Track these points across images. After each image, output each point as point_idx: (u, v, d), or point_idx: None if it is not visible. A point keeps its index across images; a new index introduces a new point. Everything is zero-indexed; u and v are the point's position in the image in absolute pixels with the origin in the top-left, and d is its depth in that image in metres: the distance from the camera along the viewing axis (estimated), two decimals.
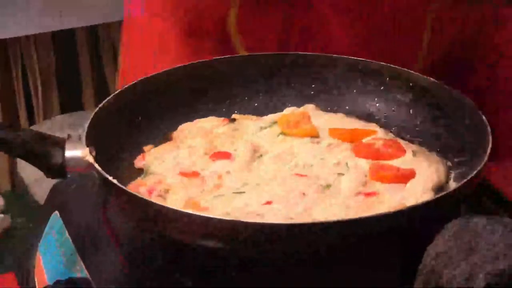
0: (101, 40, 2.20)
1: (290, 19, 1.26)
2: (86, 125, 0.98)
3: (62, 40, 2.17)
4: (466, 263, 0.77)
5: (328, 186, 0.95)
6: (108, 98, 1.04)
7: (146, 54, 1.39)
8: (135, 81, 1.09)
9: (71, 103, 2.17)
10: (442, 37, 1.29)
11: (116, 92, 1.06)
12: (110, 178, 0.90)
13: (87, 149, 0.94)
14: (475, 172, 0.90)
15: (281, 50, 1.24)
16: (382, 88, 1.11)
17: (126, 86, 1.09)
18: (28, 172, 1.99)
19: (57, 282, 0.95)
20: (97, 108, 1.01)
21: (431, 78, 1.07)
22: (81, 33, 2.17)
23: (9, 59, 2.12)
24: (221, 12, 1.28)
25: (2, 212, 1.88)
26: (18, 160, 1.99)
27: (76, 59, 2.20)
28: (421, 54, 1.29)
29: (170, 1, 1.33)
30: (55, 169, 0.95)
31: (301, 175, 0.98)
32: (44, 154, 0.95)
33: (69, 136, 0.97)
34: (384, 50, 1.22)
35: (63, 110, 2.17)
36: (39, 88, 2.14)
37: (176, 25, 1.32)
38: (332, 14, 1.26)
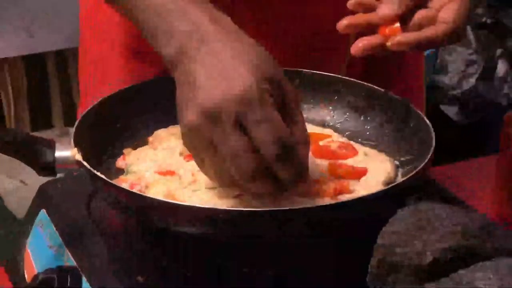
0: (69, 62, 2.19)
1: None
2: (74, 128, 0.99)
3: (33, 62, 2.16)
4: (416, 241, 0.80)
5: None
6: (92, 105, 1.05)
7: (95, 76, 1.36)
8: (115, 92, 1.09)
9: (41, 121, 2.16)
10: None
11: (98, 101, 1.07)
12: (98, 173, 0.92)
13: (75, 149, 0.96)
14: (418, 168, 0.93)
15: None
16: (336, 97, 1.12)
17: (106, 96, 1.09)
18: (2, 184, 1.98)
19: (47, 270, 0.96)
20: (83, 114, 1.03)
21: (380, 88, 1.10)
22: (51, 56, 2.16)
23: None
24: None
25: None
26: None
27: (46, 80, 2.19)
28: (343, 66, 1.28)
29: (113, 26, 1.30)
30: (46, 167, 0.97)
31: None
32: (37, 153, 0.97)
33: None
34: (312, 64, 1.18)
35: (33, 127, 2.16)
36: (12, 107, 2.13)
37: (119, 49, 1.30)
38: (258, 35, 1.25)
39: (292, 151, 0.87)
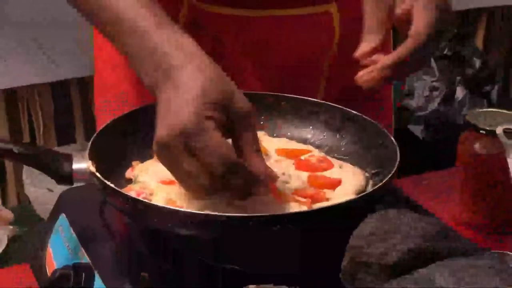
0: (90, 87, 2.17)
1: None
2: (90, 143, 0.99)
3: (59, 88, 2.14)
4: (382, 243, 0.79)
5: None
6: (106, 124, 1.04)
7: (109, 101, 1.34)
8: (125, 113, 1.09)
9: (65, 139, 2.16)
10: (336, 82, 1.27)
11: (111, 120, 1.06)
12: (109, 183, 0.91)
13: (90, 162, 0.95)
14: (385, 180, 0.93)
15: None
16: (315, 119, 1.11)
17: (118, 117, 1.08)
18: (32, 191, 1.98)
19: (65, 267, 0.95)
20: (97, 132, 1.02)
21: (354, 111, 1.08)
22: (74, 82, 2.15)
23: (17, 103, 2.10)
24: None
25: (11, 223, 1.86)
26: (25, 182, 2.01)
27: (70, 103, 2.17)
28: (320, 94, 1.26)
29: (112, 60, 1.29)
30: (65, 177, 0.96)
31: None
32: (56, 165, 0.96)
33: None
34: (294, 88, 1.17)
35: (59, 142, 2.15)
36: (41, 126, 2.12)
37: (130, 75, 1.27)
38: (244, 63, 1.23)
39: (236, 166, 0.87)
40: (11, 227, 1.84)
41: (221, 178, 0.87)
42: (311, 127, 1.12)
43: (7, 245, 1.72)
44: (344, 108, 1.10)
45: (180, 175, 0.89)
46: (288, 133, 1.12)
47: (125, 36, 0.95)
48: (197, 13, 1.20)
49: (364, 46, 1.01)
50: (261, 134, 1.09)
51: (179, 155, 0.87)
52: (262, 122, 1.12)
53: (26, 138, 2.13)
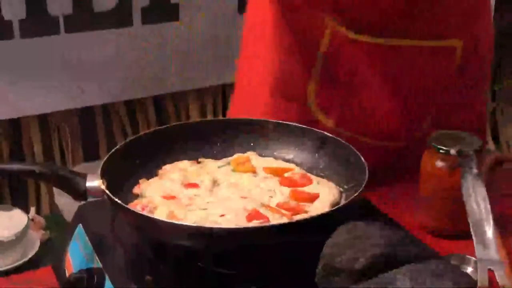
0: (112, 115, 2.18)
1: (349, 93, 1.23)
2: (101, 165, 0.98)
3: (85, 113, 2.14)
4: (352, 250, 0.79)
5: (262, 204, 0.94)
6: (116, 147, 1.03)
7: (245, 100, 1.36)
8: (132, 137, 1.08)
9: (90, 155, 2.15)
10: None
11: (121, 144, 1.05)
12: (117, 199, 0.90)
13: (101, 180, 0.94)
14: (355, 195, 0.91)
15: (343, 110, 1.23)
16: (298, 141, 1.09)
17: (128, 140, 1.08)
18: (61, 201, 1.98)
19: (80, 270, 0.94)
20: (109, 153, 1.01)
21: (330, 134, 1.07)
22: (98, 109, 2.14)
23: (49, 126, 2.10)
24: (303, 82, 1.24)
25: (44, 229, 1.85)
26: (55, 194, 2.01)
27: (94, 127, 2.16)
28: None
29: (262, 68, 1.29)
30: (80, 194, 0.95)
31: (245, 197, 0.97)
32: (73, 184, 0.96)
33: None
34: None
35: (85, 159, 2.15)
36: (69, 145, 2.12)
37: (267, 86, 1.28)
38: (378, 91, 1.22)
39: None
40: (43, 231, 1.83)
41: None
42: (293, 148, 1.10)
43: (39, 249, 1.71)
44: (322, 132, 1.08)
45: None
46: (274, 153, 1.10)
47: None
48: (339, 41, 1.19)
49: None
50: (251, 154, 1.09)
51: None
52: (252, 144, 1.11)
53: (57, 156, 2.12)
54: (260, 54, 1.30)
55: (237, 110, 1.39)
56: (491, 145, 2.25)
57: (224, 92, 2.25)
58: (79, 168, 2.07)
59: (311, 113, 1.25)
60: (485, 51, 1.29)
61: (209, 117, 2.23)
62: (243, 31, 1.36)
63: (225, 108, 2.27)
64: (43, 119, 2.08)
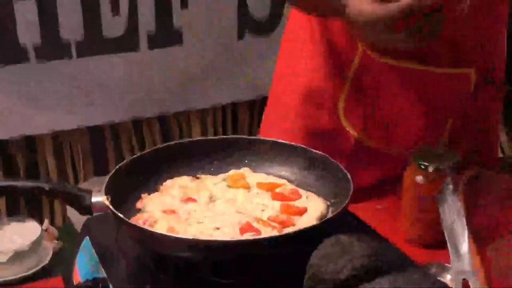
0: (120, 131, 2.18)
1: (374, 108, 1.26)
2: (106, 181, 0.98)
3: (95, 131, 2.14)
4: (335, 262, 0.78)
5: (255, 218, 0.95)
6: (120, 165, 1.03)
7: (278, 110, 1.37)
8: (136, 155, 1.08)
9: (100, 170, 2.15)
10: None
11: (125, 161, 1.05)
12: (120, 214, 0.91)
13: (105, 196, 0.94)
14: (340, 209, 0.91)
15: (367, 122, 1.26)
16: (289, 159, 1.10)
17: (132, 158, 1.07)
18: (73, 214, 1.98)
19: (87, 280, 0.95)
20: (114, 170, 1.01)
21: (318, 152, 1.07)
22: (107, 127, 2.14)
23: (62, 143, 2.10)
24: (334, 96, 1.27)
25: (56, 239, 1.86)
26: (68, 207, 2.00)
27: (104, 144, 2.17)
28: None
29: (297, 81, 1.31)
30: (86, 209, 0.96)
31: (239, 212, 0.97)
32: (79, 200, 0.96)
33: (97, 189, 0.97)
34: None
35: (95, 173, 2.15)
36: (81, 161, 2.12)
37: (302, 97, 1.30)
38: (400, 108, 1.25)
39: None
40: (56, 241, 1.84)
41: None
42: (285, 165, 1.10)
43: (52, 258, 1.71)
44: (311, 150, 1.08)
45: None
46: (268, 170, 1.10)
47: None
48: (368, 61, 1.23)
49: None
50: (245, 170, 1.10)
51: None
52: (246, 161, 1.11)
53: (70, 171, 2.12)
54: (295, 70, 1.33)
55: (269, 120, 1.41)
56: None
57: (224, 112, 2.26)
58: (90, 182, 2.08)
59: (340, 122, 1.28)
60: (498, 77, 1.31)
61: (210, 135, 2.24)
62: (280, 50, 1.39)
63: (225, 126, 2.27)
64: (56, 137, 2.09)
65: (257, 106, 2.26)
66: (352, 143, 1.28)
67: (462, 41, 1.22)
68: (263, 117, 1.46)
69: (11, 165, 2.04)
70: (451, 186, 0.94)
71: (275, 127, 1.36)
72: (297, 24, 1.33)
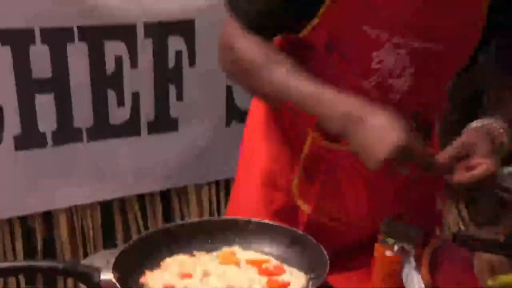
0: (127, 206, 2.19)
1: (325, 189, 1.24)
2: (113, 260, 0.99)
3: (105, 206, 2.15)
4: None
5: None
6: (125, 246, 1.05)
7: (242, 191, 1.35)
8: (139, 236, 1.10)
9: (109, 243, 2.15)
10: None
11: (130, 242, 1.07)
12: None
13: (112, 274, 0.95)
14: (319, 283, 0.94)
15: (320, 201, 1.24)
16: (274, 237, 1.10)
17: (136, 238, 1.09)
18: None
19: None
20: (120, 251, 1.02)
21: (299, 231, 1.08)
22: (115, 203, 2.15)
23: (74, 218, 2.11)
24: (289, 177, 1.25)
25: None
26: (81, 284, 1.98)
27: (112, 219, 2.17)
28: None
29: (257, 164, 1.30)
30: (96, 286, 0.96)
31: (231, 286, 0.98)
32: (89, 277, 0.97)
33: (107, 262, 0.98)
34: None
35: (105, 247, 2.15)
36: (91, 237, 2.12)
37: (259, 179, 1.28)
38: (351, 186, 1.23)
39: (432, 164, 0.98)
40: None
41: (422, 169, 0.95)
42: (270, 243, 1.11)
43: None
44: (293, 229, 1.09)
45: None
46: (255, 247, 1.11)
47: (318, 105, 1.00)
48: (317, 148, 1.21)
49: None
50: (235, 248, 1.10)
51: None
52: (237, 239, 1.12)
53: (80, 244, 2.11)
54: (255, 155, 1.32)
55: (236, 200, 1.40)
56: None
57: (217, 186, 2.28)
58: (99, 255, 2.04)
59: (294, 201, 1.26)
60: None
61: (205, 207, 2.25)
62: (243, 136, 1.39)
63: (218, 198, 2.29)
64: (69, 212, 2.09)
65: None
66: (305, 220, 1.26)
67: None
68: (230, 197, 1.45)
69: (30, 237, 2.03)
70: (413, 264, 0.95)
71: (241, 208, 1.34)
72: (255, 112, 1.33)
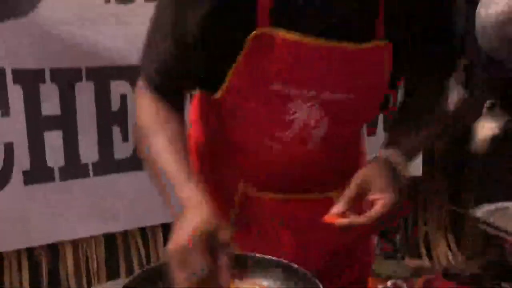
0: (131, 238, 2.17)
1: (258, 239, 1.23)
2: None
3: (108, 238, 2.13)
4: None
5: None
6: (126, 283, 1.03)
7: None
8: (139, 271, 1.07)
9: (112, 274, 2.13)
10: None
11: (131, 277, 1.05)
12: None
13: None
14: None
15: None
16: (269, 270, 1.09)
17: (137, 273, 1.06)
18: None
19: None
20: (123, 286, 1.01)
21: (294, 265, 1.07)
22: (118, 236, 2.13)
23: (79, 250, 2.09)
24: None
25: None
26: None
27: (116, 254, 2.15)
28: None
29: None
30: None
31: None
32: None
33: None
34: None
35: (109, 279, 2.12)
36: (95, 268, 2.09)
37: None
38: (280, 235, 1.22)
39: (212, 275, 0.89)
40: None
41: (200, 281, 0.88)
42: (268, 276, 1.10)
43: None
44: (289, 263, 1.08)
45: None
46: (252, 279, 1.10)
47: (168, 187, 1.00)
48: (247, 197, 1.20)
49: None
50: (235, 280, 1.07)
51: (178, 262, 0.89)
52: (236, 272, 1.08)
53: (84, 275, 2.08)
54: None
55: None
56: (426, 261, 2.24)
57: None
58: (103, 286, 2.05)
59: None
60: None
61: None
62: None
63: None
64: (75, 245, 2.07)
65: None
66: None
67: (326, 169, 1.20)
68: None
69: (36, 268, 2.01)
70: None
71: None
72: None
